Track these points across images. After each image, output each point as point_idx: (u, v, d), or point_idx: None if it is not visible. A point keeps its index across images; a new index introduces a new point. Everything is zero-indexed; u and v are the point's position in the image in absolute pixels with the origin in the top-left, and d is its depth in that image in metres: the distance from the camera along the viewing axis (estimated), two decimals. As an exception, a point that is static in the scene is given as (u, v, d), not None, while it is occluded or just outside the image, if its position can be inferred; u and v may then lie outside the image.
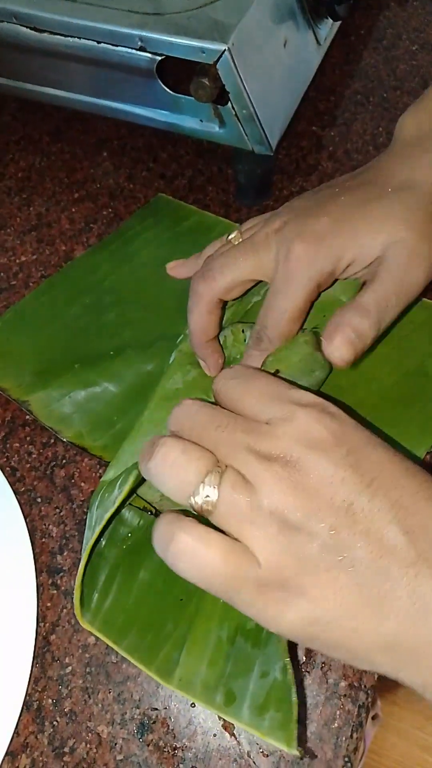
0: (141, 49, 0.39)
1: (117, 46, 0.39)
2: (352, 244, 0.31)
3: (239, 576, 0.22)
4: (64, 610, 0.33)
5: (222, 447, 0.24)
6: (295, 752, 0.26)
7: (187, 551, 0.22)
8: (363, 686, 0.31)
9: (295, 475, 0.22)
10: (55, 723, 0.31)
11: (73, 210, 0.49)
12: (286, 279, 0.31)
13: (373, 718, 1.04)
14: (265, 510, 0.22)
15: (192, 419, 0.25)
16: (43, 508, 0.37)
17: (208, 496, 0.22)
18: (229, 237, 0.35)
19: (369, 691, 0.31)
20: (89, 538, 0.30)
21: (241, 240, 0.34)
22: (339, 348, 0.30)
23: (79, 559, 0.35)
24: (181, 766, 0.30)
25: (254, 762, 0.30)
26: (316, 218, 0.31)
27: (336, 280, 0.32)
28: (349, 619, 0.22)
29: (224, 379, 0.27)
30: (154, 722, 0.31)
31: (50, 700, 0.32)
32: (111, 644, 0.30)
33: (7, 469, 0.38)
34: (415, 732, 0.92)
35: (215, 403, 0.26)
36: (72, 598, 0.34)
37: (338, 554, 0.22)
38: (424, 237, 0.31)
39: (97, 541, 0.30)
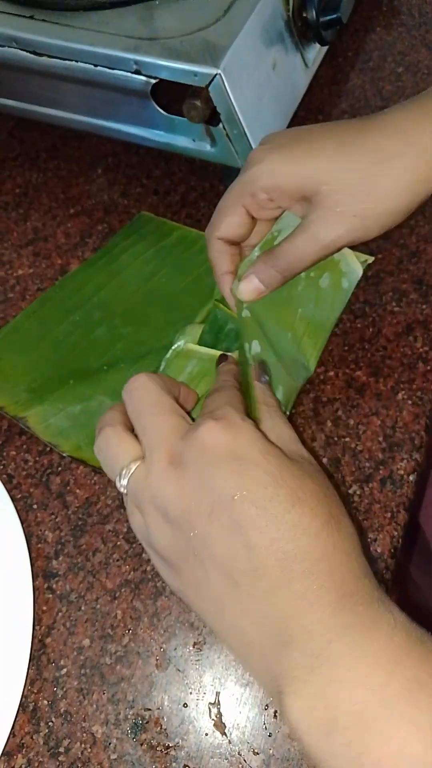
0: (136, 72, 0.40)
1: (113, 69, 0.41)
2: (298, 169, 0.33)
3: (142, 537, 0.28)
4: (60, 614, 0.34)
5: (146, 437, 0.28)
6: None
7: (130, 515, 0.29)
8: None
9: (180, 477, 0.26)
10: (50, 723, 0.32)
11: (69, 225, 0.50)
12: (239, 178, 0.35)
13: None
14: (153, 504, 0.27)
15: (139, 400, 0.30)
16: (39, 514, 0.38)
17: (122, 484, 0.28)
18: None
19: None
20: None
21: None
22: (246, 291, 0.35)
23: (75, 564, 0.36)
24: (173, 764, 0.31)
25: (245, 760, 0.31)
26: (279, 145, 0.34)
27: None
28: (202, 600, 0.26)
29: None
30: (148, 722, 0.32)
31: (46, 701, 0.32)
32: None
33: (4, 476, 0.39)
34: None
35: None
36: (66, 602, 0.35)
37: (194, 551, 0.25)
38: (352, 194, 0.32)
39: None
